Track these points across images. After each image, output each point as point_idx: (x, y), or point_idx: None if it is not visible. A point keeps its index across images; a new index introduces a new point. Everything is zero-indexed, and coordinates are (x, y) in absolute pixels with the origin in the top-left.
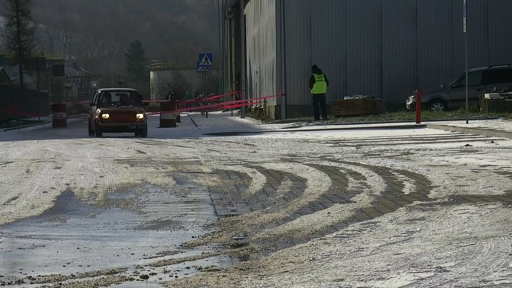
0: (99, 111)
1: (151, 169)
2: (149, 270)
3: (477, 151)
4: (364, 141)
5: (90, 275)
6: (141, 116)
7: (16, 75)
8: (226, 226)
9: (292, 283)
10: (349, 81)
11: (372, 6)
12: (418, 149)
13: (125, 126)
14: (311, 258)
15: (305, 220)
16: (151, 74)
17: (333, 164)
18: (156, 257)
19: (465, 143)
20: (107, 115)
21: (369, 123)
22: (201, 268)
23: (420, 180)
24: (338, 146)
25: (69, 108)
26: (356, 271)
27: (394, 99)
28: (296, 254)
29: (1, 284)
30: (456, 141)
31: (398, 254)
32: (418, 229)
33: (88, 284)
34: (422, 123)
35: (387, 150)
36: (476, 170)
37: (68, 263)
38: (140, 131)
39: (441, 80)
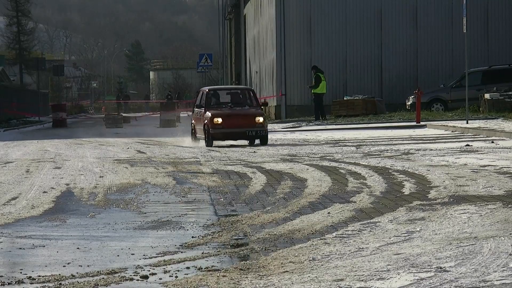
0: (210, 114)
1: (151, 169)
2: (149, 270)
3: (477, 151)
4: (364, 141)
5: (90, 275)
6: (261, 119)
7: (16, 75)
8: (226, 226)
9: (292, 283)
10: (349, 81)
11: (372, 6)
12: (418, 149)
13: (242, 133)
14: (311, 258)
15: (305, 220)
16: (151, 74)
17: (333, 164)
18: (156, 257)
19: (465, 143)
20: (219, 120)
21: (369, 123)
22: (201, 268)
23: (420, 180)
24: (338, 146)
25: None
26: (356, 271)
27: (394, 99)
28: (296, 254)
29: (1, 284)
30: (456, 141)
31: (398, 254)
32: (418, 229)
33: (88, 284)
34: (422, 123)
35: (387, 150)
36: (476, 170)
37: (68, 263)
38: (261, 138)
39: (441, 80)
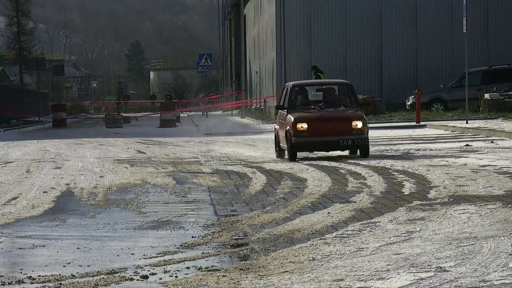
0: (292, 118)
1: (151, 169)
2: (149, 270)
3: (477, 151)
4: None
5: (90, 275)
6: (359, 124)
7: (16, 75)
8: (226, 226)
9: (292, 283)
10: (349, 81)
11: (372, 6)
12: (418, 149)
13: (333, 142)
14: (311, 258)
15: (305, 220)
16: (151, 74)
17: (333, 164)
18: (156, 257)
19: (465, 143)
20: (304, 125)
21: (369, 123)
22: (201, 268)
23: (420, 180)
24: None
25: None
26: (356, 271)
27: (394, 99)
28: (296, 254)
29: (1, 284)
30: (456, 141)
31: (398, 254)
32: (418, 229)
33: (88, 284)
34: (422, 123)
35: (387, 150)
36: (476, 170)
37: (68, 263)
38: (359, 148)
39: (441, 80)
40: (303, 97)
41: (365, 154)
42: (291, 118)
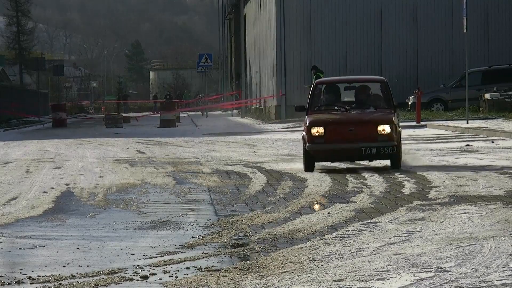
0: (308, 121)
1: (151, 169)
2: (149, 270)
3: (477, 151)
4: None
5: (90, 275)
6: (387, 129)
7: (16, 75)
8: (226, 226)
9: (292, 283)
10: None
11: (372, 6)
12: (418, 149)
13: (356, 150)
14: (311, 258)
15: (305, 220)
16: (151, 74)
17: (333, 164)
18: (156, 257)
19: (465, 143)
20: (320, 130)
21: None
22: (201, 268)
23: (420, 180)
24: None
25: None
26: (356, 271)
27: (394, 99)
28: (296, 254)
29: (1, 284)
30: (456, 141)
31: (398, 254)
32: (418, 229)
33: (88, 284)
34: (422, 123)
35: None
36: (476, 170)
37: (68, 263)
38: (388, 157)
39: (441, 80)
40: (330, 96)
41: (396, 165)
42: (306, 121)
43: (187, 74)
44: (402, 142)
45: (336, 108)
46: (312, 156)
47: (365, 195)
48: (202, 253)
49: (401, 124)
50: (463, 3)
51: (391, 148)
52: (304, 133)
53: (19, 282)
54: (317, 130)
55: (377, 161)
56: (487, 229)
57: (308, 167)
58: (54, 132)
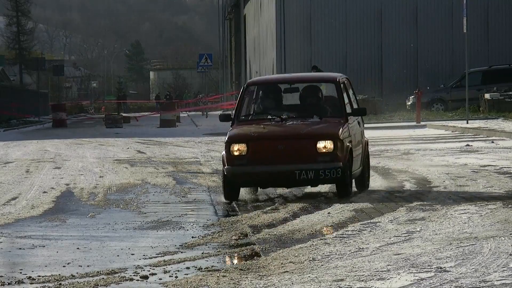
0: (227, 136)
1: (151, 169)
2: (149, 270)
3: (477, 151)
4: None
5: (90, 275)
6: (329, 146)
7: (16, 75)
8: (226, 226)
9: (292, 283)
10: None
11: (372, 6)
12: (418, 149)
13: (287, 174)
14: (311, 258)
15: (305, 220)
16: (151, 74)
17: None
18: (156, 257)
19: (465, 143)
20: (242, 147)
21: (369, 123)
22: (201, 268)
23: (420, 180)
24: None
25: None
26: (356, 271)
27: (394, 99)
28: (296, 254)
29: (1, 284)
30: (456, 141)
31: (398, 254)
32: (418, 229)
33: (88, 284)
34: (422, 123)
35: (387, 150)
36: (476, 170)
37: (68, 263)
38: (331, 182)
39: (441, 80)
40: (267, 101)
41: (344, 192)
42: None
43: (187, 74)
44: (402, 142)
45: (269, 117)
46: (231, 181)
47: (365, 195)
48: (202, 253)
49: (401, 124)
50: (463, 3)
51: (334, 171)
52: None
53: (19, 282)
54: (238, 148)
55: (377, 161)
56: (487, 229)
57: (230, 195)
58: (54, 132)
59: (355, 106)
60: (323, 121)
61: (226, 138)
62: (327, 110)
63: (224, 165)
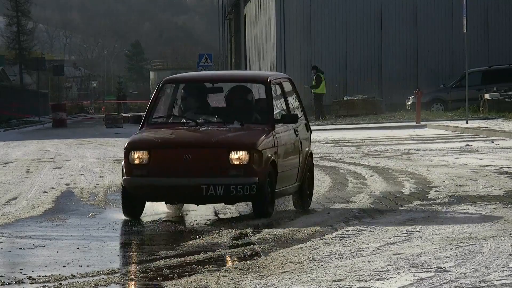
0: (127, 142)
1: None
2: (149, 270)
3: (477, 151)
4: (364, 141)
5: (90, 275)
6: (243, 157)
7: (16, 75)
8: (226, 226)
9: (292, 283)
10: (349, 81)
11: (372, 6)
12: (418, 149)
13: (193, 189)
14: (311, 258)
15: (305, 220)
16: (151, 74)
17: (333, 164)
18: (156, 257)
19: (465, 143)
20: (143, 155)
21: (369, 123)
22: (201, 268)
23: (420, 180)
24: (338, 146)
25: (69, 108)
26: (356, 271)
27: (394, 99)
28: (296, 254)
29: (1, 284)
30: (456, 141)
31: (398, 254)
32: (418, 229)
33: (88, 284)
34: (422, 123)
35: (387, 150)
36: (476, 170)
37: (68, 263)
38: (245, 199)
39: (441, 80)
40: (189, 102)
41: (261, 212)
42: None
43: None
44: (402, 142)
45: (184, 121)
46: (129, 193)
47: (365, 195)
48: (202, 253)
49: (401, 124)
50: (463, 3)
51: (248, 187)
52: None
53: (19, 282)
54: (138, 156)
55: (377, 161)
56: (487, 229)
57: (129, 211)
58: (54, 132)
59: (298, 112)
60: (244, 128)
61: (126, 144)
62: (253, 116)
63: (122, 175)
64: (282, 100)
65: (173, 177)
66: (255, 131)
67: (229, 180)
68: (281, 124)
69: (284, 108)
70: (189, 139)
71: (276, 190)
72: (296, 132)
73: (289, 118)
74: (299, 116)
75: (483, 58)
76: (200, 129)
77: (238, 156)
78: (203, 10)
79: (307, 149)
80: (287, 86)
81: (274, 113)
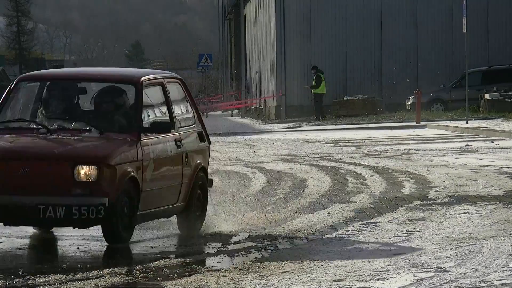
0: None
1: None
2: (150, 270)
3: (477, 151)
4: (364, 141)
5: (90, 275)
6: (91, 173)
7: (16, 75)
8: (226, 226)
9: (292, 283)
10: (349, 81)
11: (372, 6)
12: (418, 149)
13: (27, 209)
14: (311, 258)
15: (305, 220)
16: None
17: (333, 164)
18: (156, 257)
19: (465, 143)
20: None
21: (369, 123)
22: (201, 268)
23: (420, 180)
24: (338, 146)
25: None
26: (356, 271)
27: (394, 99)
28: (296, 254)
29: (1, 285)
30: (456, 141)
31: (398, 254)
32: (418, 229)
33: (88, 284)
34: (422, 123)
35: (387, 150)
36: (476, 170)
37: (68, 263)
38: (93, 223)
39: (441, 80)
40: (52, 104)
41: (111, 239)
42: None
43: (187, 74)
44: (402, 142)
45: (35, 127)
46: None
47: (365, 195)
48: (202, 253)
49: (401, 124)
50: (463, 3)
51: (94, 210)
52: None
53: (19, 282)
54: None
55: (377, 161)
56: (487, 229)
57: None
58: None
59: (190, 120)
60: (100, 137)
61: None
62: (117, 123)
63: None
64: (163, 105)
65: (7, 195)
66: (112, 141)
67: (72, 200)
68: (154, 133)
69: (165, 114)
70: (28, 149)
71: (141, 212)
72: (179, 143)
73: (159, 126)
74: (191, 124)
75: (483, 58)
76: (50, 136)
77: (84, 172)
78: (203, 10)
79: (198, 161)
80: (174, 89)
81: (146, 120)
